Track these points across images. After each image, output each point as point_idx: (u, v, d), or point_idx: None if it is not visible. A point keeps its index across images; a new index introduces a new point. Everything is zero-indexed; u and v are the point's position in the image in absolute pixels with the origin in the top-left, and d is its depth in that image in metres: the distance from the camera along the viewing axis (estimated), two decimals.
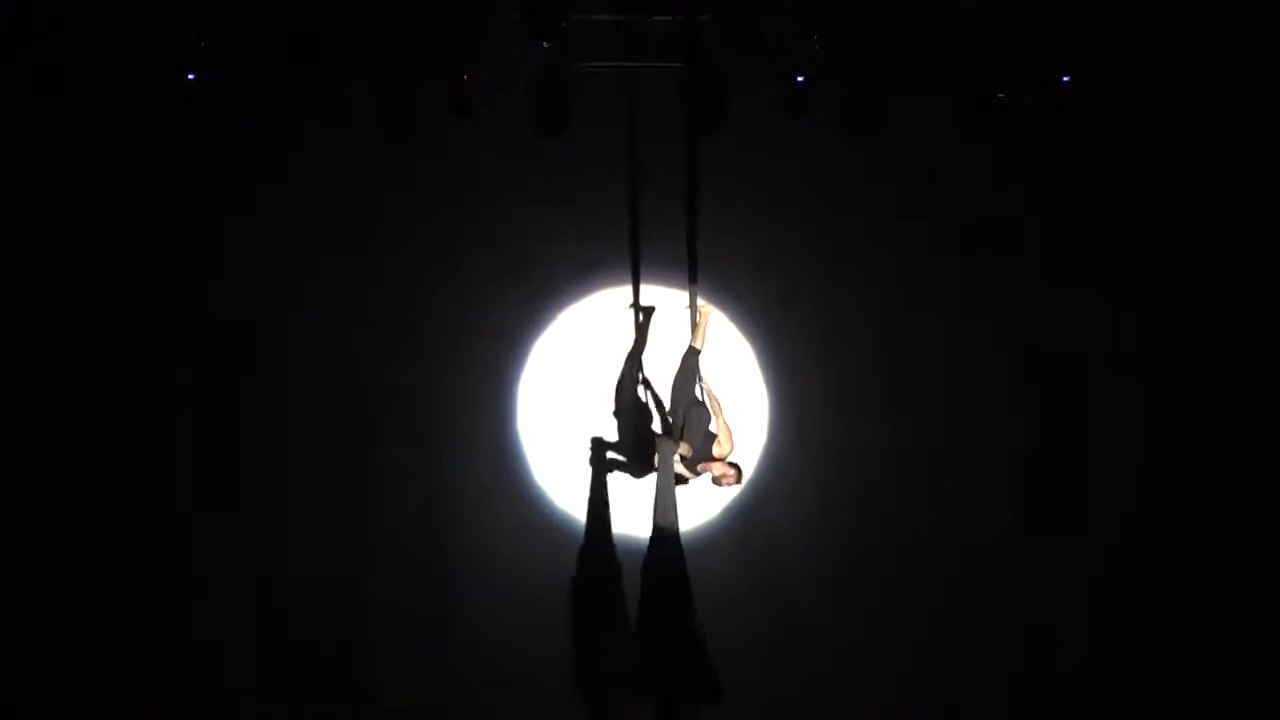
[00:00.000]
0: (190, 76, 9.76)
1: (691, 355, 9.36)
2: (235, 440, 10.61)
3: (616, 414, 9.74)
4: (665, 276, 10.17)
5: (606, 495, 10.16)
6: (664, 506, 9.06)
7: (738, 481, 9.31)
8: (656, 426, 9.57)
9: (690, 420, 9.21)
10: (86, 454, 10.53)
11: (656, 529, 9.07)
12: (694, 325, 9.52)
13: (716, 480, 9.26)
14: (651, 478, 9.25)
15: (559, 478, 10.61)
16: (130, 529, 10.52)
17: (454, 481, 10.71)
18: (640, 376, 9.69)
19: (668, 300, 10.01)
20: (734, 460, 9.28)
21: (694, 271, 9.65)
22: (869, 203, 10.78)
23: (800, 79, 9.97)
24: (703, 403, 9.27)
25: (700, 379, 9.37)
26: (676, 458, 9.18)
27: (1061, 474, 10.85)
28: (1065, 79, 9.99)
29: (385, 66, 9.83)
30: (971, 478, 10.79)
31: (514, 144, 10.38)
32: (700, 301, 9.59)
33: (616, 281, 10.39)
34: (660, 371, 9.71)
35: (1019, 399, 10.85)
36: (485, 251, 10.67)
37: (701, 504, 10.27)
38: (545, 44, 9.64)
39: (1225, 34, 10.27)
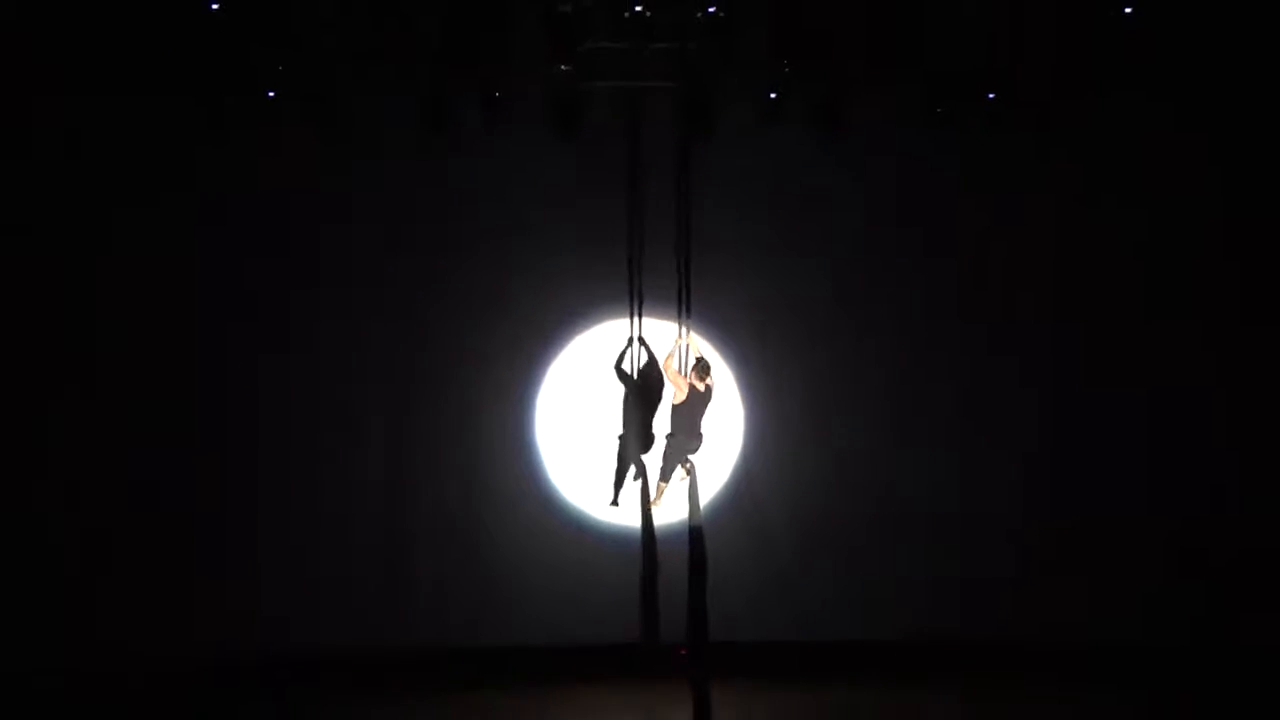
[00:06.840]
0: (270, 95, 11.43)
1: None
2: (252, 450, 11.51)
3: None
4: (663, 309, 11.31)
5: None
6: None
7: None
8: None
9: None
10: (97, 455, 11.23)
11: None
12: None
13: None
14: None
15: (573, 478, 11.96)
16: (138, 536, 11.30)
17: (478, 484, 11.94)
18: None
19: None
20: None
21: (687, 296, 10.99)
22: (841, 219, 12.25)
23: (773, 95, 11.66)
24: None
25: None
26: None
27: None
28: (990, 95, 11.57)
29: (428, 83, 11.53)
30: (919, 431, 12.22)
31: (529, 164, 12.03)
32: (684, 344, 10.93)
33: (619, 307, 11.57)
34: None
35: (960, 369, 12.19)
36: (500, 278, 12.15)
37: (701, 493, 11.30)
38: (563, 66, 11.28)
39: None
